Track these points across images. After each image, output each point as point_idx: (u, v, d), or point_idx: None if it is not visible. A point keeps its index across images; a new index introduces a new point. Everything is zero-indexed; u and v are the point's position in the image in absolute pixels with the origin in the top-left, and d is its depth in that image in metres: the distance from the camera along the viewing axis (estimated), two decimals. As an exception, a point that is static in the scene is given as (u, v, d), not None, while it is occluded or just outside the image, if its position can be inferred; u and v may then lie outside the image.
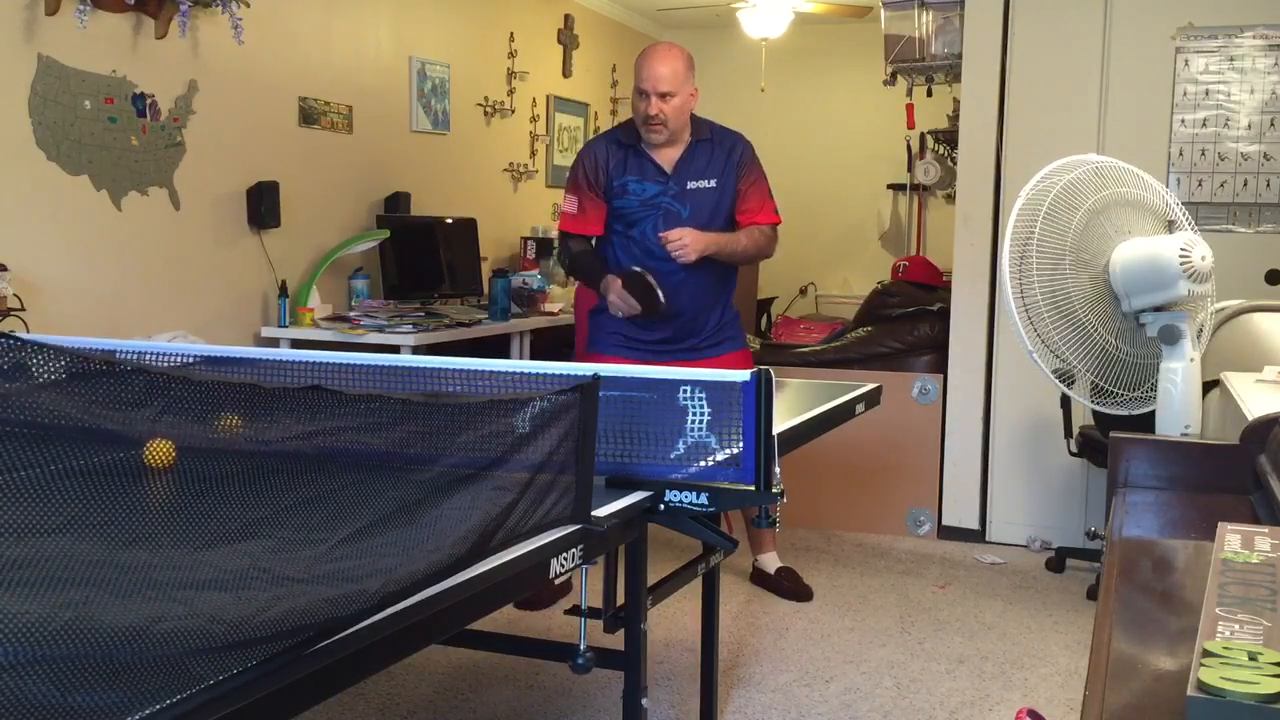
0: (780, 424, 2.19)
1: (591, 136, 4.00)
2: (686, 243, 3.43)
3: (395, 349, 4.25)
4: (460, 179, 5.92)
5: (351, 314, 4.73)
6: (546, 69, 6.80)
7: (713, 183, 3.57)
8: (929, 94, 5.62)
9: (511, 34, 6.37)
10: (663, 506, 2.06)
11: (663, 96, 3.44)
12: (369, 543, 1.46)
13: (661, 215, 3.55)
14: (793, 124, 8.22)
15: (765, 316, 7.78)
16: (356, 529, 1.48)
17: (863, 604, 3.99)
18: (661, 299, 3.45)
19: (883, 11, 5.25)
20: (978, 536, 4.79)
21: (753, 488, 2.04)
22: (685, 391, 2.14)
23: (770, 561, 4.10)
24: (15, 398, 1.31)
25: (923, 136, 6.97)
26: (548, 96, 6.81)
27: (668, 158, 3.57)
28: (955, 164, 5.20)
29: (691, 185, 3.56)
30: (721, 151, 3.60)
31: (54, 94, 3.67)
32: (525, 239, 6.14)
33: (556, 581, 1.86)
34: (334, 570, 1.38)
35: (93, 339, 2.57)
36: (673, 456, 2.12)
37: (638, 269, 3.51)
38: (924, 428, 4.80)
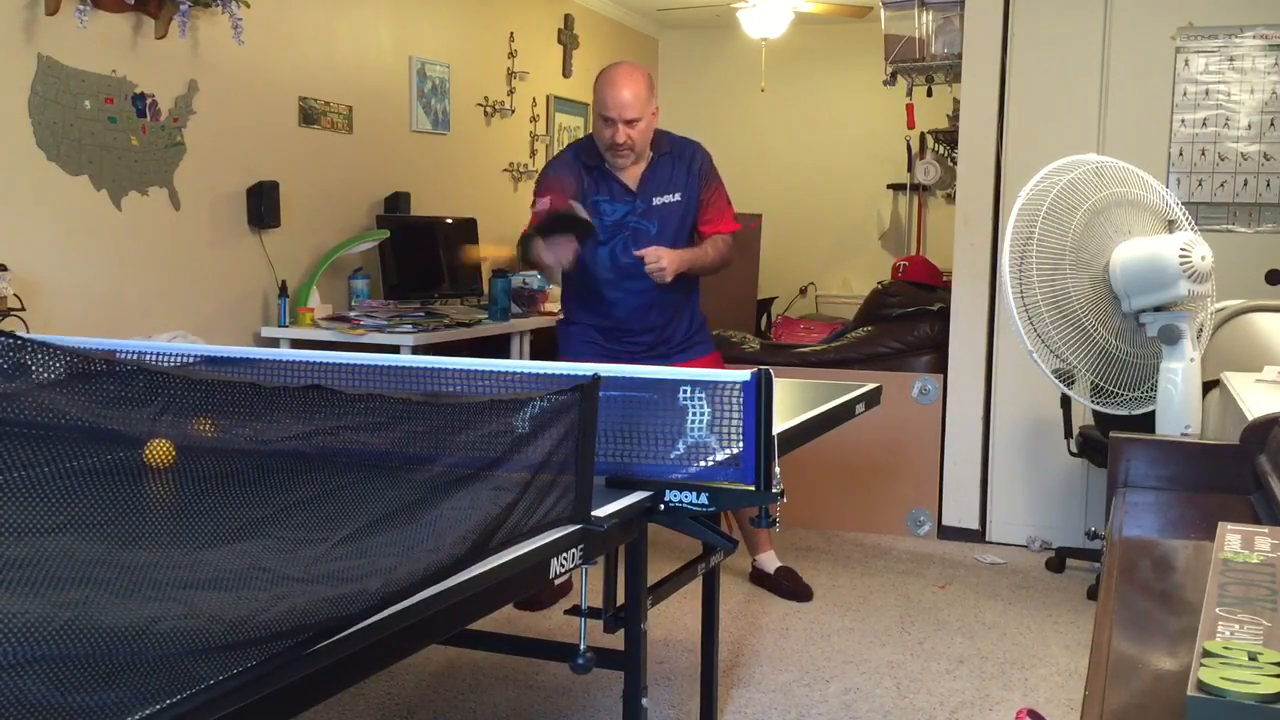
0: (780, 424, 2.19)
1: (552, 157, 3.87)
2: (664, 265, 3.42)
3: (395, 349, 4.25)
4: (460, 179, 5.92)
5: (351, 314, 4.73)
6: (546, 69, 6.80)
7: (677, 196, 3.56)
8: (929, 94, 5.62)
9: (511, 34, 6.37)
10: (663, 506, 2.05)
11: (629, 123, 3.41)
12: (369, 543, 1.46)
13: (630, 235, 3.54)
14: (793, 124, 8.22)
15: (765, 316, 7.77)
16: (356, 529, 1.48)
17: (863, 604, 3.99)
18: (587, 217, 3.30)
19: (883, 11, 5.25)
20: (978, 536, 4.79)
21: (753, 488, 2.04)
22: (685, 391, 2.14)
23: (769, 561, 4.11)
24: (15, 398, 1.31)
25: (923, 136, 6.98)
26: (548, 96, 6.81)
27: (632, 175, 3.55)
28: (955, 164, 5.20)
29: (657, 201, 3.55)
30: (682, 164, 3.59)
31: (54, 94, 3.67)
32: (525, 239, 6.14)
33: (556, 581, 1.86)
34: (334, 570, 1.38)
35: (93, 339, 2.57)
36: (673, 456, 2.12)
37: (557, 211, 3.33)
38: (924, 428, 4.80)
